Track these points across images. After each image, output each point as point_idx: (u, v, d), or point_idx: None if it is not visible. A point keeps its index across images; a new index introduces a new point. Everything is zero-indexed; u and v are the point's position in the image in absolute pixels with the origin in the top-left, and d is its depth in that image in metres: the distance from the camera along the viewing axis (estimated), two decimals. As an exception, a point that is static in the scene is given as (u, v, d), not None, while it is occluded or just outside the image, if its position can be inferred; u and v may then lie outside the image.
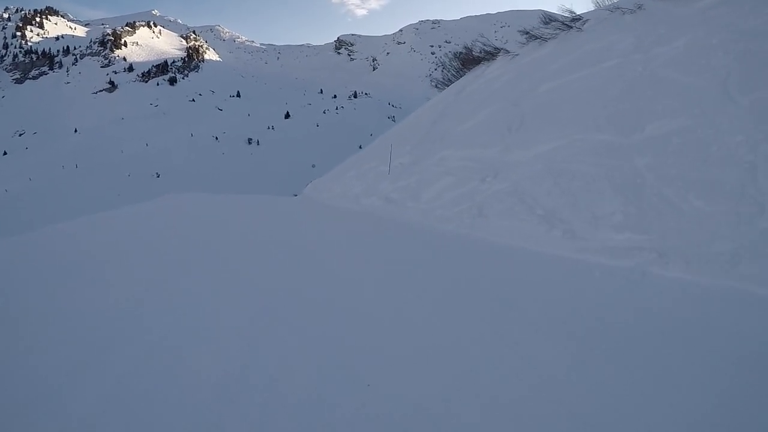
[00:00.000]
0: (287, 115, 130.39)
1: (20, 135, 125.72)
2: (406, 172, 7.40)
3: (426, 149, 7.72)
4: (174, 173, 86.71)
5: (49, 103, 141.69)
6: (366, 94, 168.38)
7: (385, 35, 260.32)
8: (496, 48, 10.48)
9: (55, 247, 5.68)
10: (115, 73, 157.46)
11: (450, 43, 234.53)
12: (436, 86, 14.07)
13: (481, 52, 11.13)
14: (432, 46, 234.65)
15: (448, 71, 13.43)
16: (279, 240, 5.66)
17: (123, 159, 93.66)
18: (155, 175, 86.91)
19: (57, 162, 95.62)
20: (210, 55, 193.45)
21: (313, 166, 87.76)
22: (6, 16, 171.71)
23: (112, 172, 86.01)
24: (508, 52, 9.46)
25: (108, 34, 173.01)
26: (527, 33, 8.93)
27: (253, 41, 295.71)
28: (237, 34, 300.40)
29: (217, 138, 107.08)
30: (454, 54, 14.48)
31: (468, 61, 12.10)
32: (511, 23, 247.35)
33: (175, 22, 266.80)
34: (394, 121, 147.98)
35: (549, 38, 8.02)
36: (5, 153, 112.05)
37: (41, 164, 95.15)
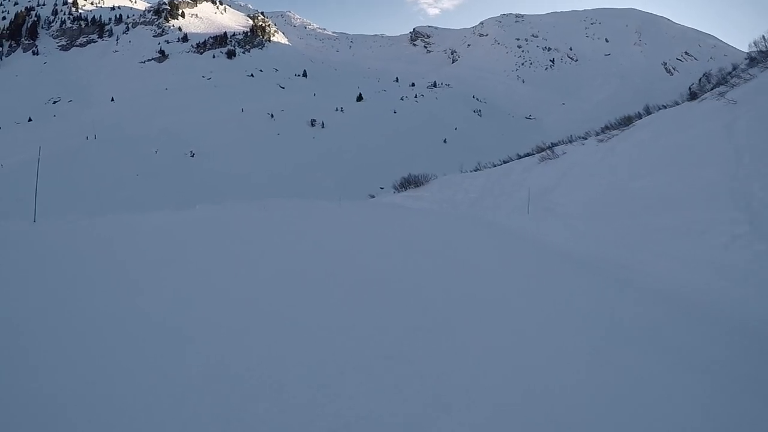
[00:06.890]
0: (360, 98, 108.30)
1: (54, 102, 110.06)
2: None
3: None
4: (212, 153, 68.31)
5: (93, 71, 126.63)
6: (447, 84, 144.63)
7: (464, 28, 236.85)
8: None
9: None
10: (168, 42, 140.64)
11: (537, 37, 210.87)
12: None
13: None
14: (518, 39, 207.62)
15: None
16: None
17: (153, 132, 74.20)
18: (189, 154, 67.35)
19: (78, 132, 77.21)
20: (278, 38, 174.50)
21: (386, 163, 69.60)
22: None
23: (136, 146, 67.49)
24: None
25: (164, 3, 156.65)
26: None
27: (324, 29, 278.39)
28: (308, 21, 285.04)
29: (272, 116, 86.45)
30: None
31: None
32: (603, 21, 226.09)
33: (246, 6, 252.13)
34: (481, 115, 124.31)
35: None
36: (30, 119, 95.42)
37: (61, 134, 77.22)
